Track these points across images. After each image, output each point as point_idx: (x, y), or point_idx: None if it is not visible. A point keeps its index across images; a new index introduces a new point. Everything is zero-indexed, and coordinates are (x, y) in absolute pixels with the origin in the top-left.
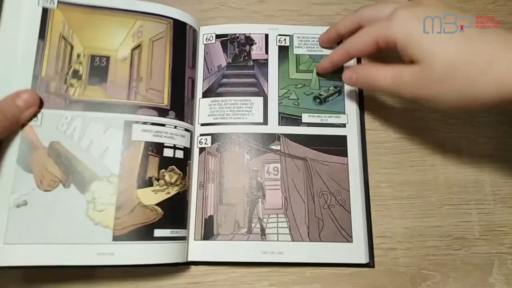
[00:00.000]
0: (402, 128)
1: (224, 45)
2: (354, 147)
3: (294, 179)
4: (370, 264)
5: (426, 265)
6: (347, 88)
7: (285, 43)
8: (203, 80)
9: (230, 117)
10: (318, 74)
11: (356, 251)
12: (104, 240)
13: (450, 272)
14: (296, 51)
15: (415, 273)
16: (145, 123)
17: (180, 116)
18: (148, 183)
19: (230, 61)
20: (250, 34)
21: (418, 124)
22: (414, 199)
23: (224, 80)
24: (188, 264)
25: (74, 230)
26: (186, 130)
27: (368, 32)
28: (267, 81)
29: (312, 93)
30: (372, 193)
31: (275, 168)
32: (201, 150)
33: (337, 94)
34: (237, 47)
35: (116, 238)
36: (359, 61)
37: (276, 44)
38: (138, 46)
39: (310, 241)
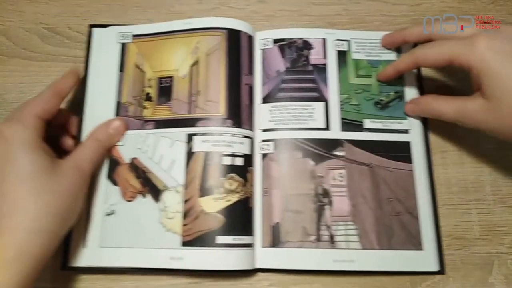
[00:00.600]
0: None
1: (282, 50)
2: (419, 154)
3: (360, 186)
4: (441, 272)
5: None
6: (408, 93)
7: (343, 48)
8: (262, 86)
9: (291, 123)
10: (378, 80)
11: (427, 259)
12: (174, 246)
13: (450, 272)
14: (354, 56)
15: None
16: (204, 134)
17: (237, 124)
18: (209, 191)
19: (288, 65)
20: (307, 38)
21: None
22: None
23: (284, 85)
24: (255, 271)
25: (150, 236)
26: (245, 136)
27: (444, 48)
28: (327, 86)
29: (373, 98)
30: None
31: (341, 174)
32: (264, 156)
33: (398, 99)
34: (295, 51)
35: (184, 244)
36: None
37: (334, 49)
38: (196, 62)
39: (381, 249)
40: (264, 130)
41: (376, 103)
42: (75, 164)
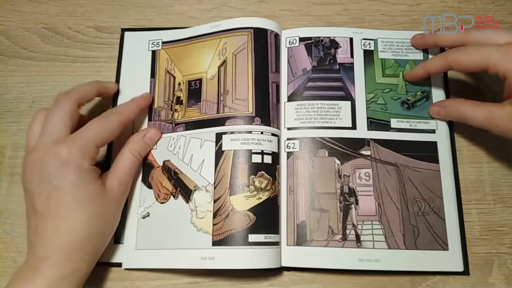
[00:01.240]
0: None
1: (308, 48)
2: (445, 154)
3: (386, 185)
4: (465, 272)
5: None
6: (435, 93)
7: (369, 47)
8: (288, 84)
9: (317, 121)
10: (405, 79)
11: (452, 259)
12: (205, 245)
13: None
14: (381, 55)
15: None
16: (232, 132)
17: (266, 122)
18: (239, 189)
19: (315, 64)
20: (334, 37)
21: None
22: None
23: (310, 83)
24: (281, 269)
25: (182, 236)
26: (273, 134)
27: (481, 54)
28: (354, 85)
29: (400, 98)
30: None
31: (367, 174)
32: (289, 154)
33: (425, 99)
34: (321, 50)
35: (215, 243)
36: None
37: (361, 48)
38: (224, 62)
39: (407, 249)
40: (289, 129)
41: (403, 102)
42: (119, 181)
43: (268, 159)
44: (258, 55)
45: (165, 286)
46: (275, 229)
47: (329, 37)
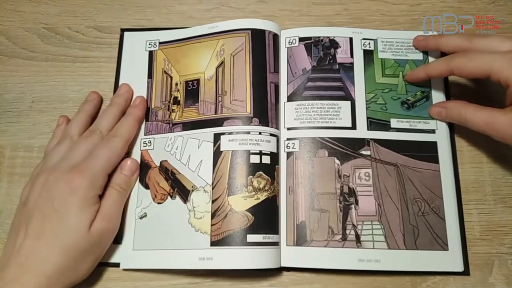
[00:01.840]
0: None
1: (308, 48)
2: (445, 154)
3: (386, 185)
4: (466, 272)
5: None
6: (434, 93)
7: (369, 47)
8: (288, 84)
9: (317, 121)
10: (405, 80)
11: (452, 260)
12: (203, 246)
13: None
14: (381, 55)
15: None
16: (230, 133)
17: (264, 122)
18: (237, 190)
19: (315, 64)
20: (334, 37)
21: None
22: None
23: (310, 83)
24: (281, 269)
25: (180, 236)
26: (272, 135)
27: (484, 61)
28: (354, 85)
29: (399, 98)
30: None
31: (367, 174)
32: (289, 154)
33: (425, 99)
34: (321, 50)
35: (213, 244)
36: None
37: (361, 48)
38: (222, 63)
39: (407, 249)
40: (289, 129)
41: (403, 102)
42: (102, 219)
43: (266, 160)
44: (256, 56)
45: (165, 287)
46: (274, 229)
47: (329, 37)
